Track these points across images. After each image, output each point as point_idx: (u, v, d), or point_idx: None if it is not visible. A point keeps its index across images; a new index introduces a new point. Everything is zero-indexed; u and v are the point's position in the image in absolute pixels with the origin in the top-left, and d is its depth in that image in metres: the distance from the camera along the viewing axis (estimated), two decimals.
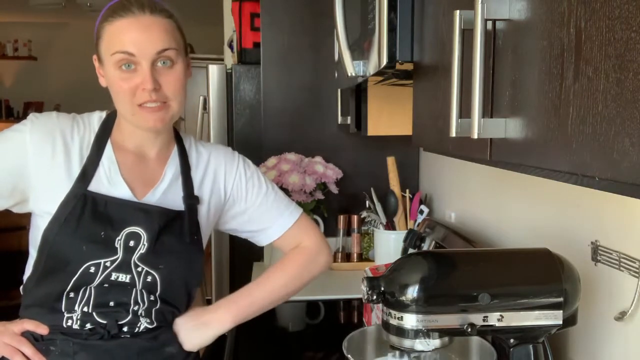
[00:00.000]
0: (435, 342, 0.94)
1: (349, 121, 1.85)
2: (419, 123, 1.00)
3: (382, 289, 0.95)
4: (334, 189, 2.13)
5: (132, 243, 1.15)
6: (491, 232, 1.56)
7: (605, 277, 1.01)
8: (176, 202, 1.22)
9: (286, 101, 2.24)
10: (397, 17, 0.94)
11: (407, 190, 2.05)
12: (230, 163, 1.31)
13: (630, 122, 0.44)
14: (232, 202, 1.32)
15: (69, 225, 1.12)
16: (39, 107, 6.71)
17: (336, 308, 1.87)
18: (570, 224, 1.14)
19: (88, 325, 1.14)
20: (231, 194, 1.31)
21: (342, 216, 2.19)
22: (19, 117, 6.70)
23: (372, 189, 2.08)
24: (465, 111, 0.68)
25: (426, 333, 0.92)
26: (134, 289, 1.16)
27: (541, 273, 0.95)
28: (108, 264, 1.14)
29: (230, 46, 2.76)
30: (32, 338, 1.16)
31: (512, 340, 0.96)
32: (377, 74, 1.05)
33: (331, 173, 2.12)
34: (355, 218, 2.16)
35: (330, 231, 2.16)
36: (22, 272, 1.20)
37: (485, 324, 0.92)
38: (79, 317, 1.14)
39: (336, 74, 1.61)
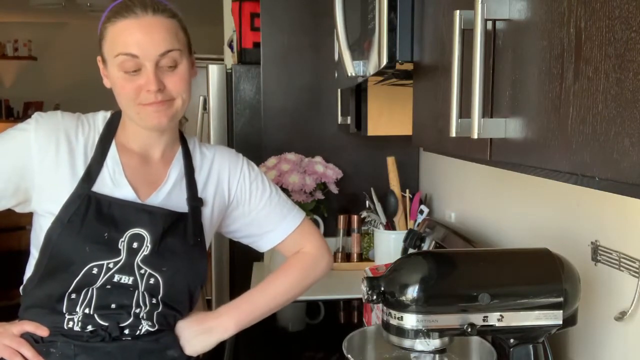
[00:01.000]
0: (435, 342, 0.94)
1: (349, 121, 1.85)
2: (419, 123, 1.00)
3: (382, 289, 0.94)
4: (334, 189, 2.13)
5: (135, 245, 1.14)
6: (491, 232, 1.56)
7: (605, 277, 1.01)
8: (180, 203, 1.21)
9: (286, 101, 2.23)
10: (397, 17, 0.94)
11: (407, 190, 2.05)
12: (234, 165, 1.31)
13: (630, 122, 0.44)
14: (235, 204, 1.31)
15: (73, 225, 1.11)
16: (39, 107, 6.69)
17: (336, 308, 1.87)
18: (570, 224, 1.14)
19: (89, 327, 1.14)
20: (235, 196, 1.30)
21: (342, 216, 2.19)
22: (19, 117, 6.70)
23: (372, 189, 2.08)
24: (465, 111, 0.68)
25: (426, 333, 0.92)
26: (137, 291, 1.15)
27: (541, 273, 0.95)
28: (111, 265, 1.13)
29: (230, 46, 2.76)
30: (32, 340, 1.15)
31: (512, 340, 0.96)
32: (377, 74, 1.05)
33: (331, 173, 2.12)
34: (355, 218, 2.16)
35: (330, 231, 2.16)
36: (23, 272, 1.19)
37: (485, 324, 0.92)
38: (80, 319, 1.13)
39: (336, 74, 1.60)
